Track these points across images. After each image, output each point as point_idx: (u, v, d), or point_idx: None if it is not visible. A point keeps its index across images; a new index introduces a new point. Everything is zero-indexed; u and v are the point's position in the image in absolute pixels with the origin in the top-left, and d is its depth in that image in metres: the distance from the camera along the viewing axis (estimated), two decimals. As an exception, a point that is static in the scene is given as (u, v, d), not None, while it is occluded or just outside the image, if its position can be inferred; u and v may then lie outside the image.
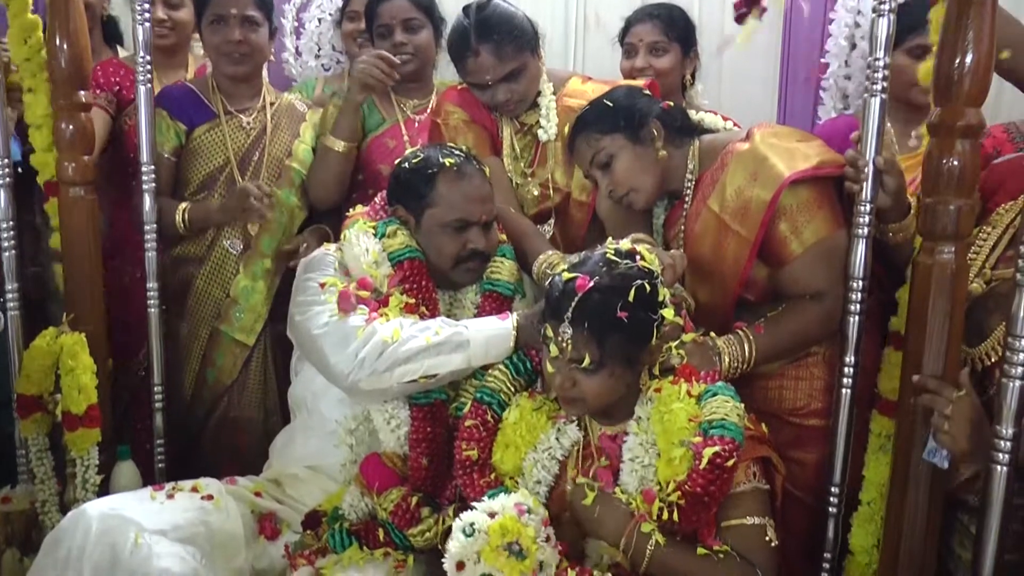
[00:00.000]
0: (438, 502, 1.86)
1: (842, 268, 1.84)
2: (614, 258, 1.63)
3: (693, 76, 2.65)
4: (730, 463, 1.54)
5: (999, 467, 1.58)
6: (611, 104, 1.97)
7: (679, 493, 1.56)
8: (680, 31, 2.54)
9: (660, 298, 1.62)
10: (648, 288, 1.59)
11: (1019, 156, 1.92)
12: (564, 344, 1.59)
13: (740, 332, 1.85)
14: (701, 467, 1.54)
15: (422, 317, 1.92)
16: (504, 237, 2.12)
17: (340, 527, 1.82)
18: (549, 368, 1.64)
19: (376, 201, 2.10)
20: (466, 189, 1.98)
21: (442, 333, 1.85)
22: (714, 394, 1.64)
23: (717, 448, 1.54)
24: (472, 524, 1.53)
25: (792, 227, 1.81)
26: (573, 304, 1.58)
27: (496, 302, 2.01)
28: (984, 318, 1.75)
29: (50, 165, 2.21)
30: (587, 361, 1.58)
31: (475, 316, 2.00)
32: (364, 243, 1.99)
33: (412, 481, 1.88)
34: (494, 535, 1.50)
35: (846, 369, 1.86)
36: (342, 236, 2.06)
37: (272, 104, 2.55)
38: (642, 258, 1.65)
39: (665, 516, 1.55)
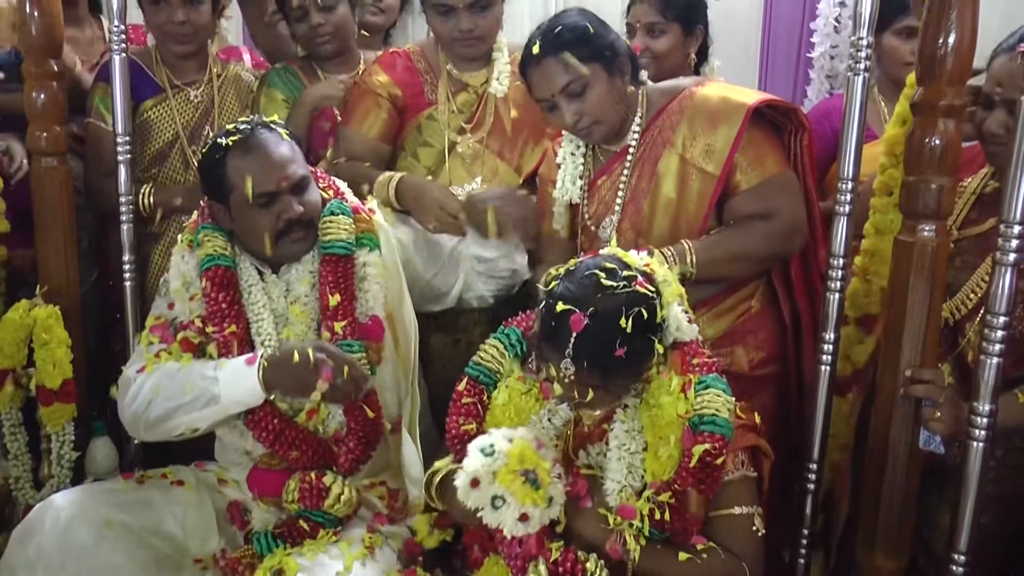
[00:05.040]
0: (336, 471, 1.85)
1: (797, 197, 1.94)
2: (608, 282, 1.53)
3: (703, 53, 2.55)
4: (719, 461, 1.52)
5: (976, 444, 1.61)
6: (591, 29, 1.87)
7: (669, 493, 1.54)
8: (680, 10, 2.43)
9: (658, 319, 1.56)
10: (646, 314, 1.52)
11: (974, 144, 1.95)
12: (568, 379, 1.54)
13: (683, 243, 1.89)
14: (691, 465, 1.52)
15: (221, 334, 1.84)
16: (331, 193, 1.99)
17: (265, 533, 1.80)
18: (558, 389, 1.60)
19: (201, 204, 1.99)
20: (256, 161, 1.84)
21: (191, 391, 1.79)
22: (706, 386, 1.59)
23: (707, 446, 1.51)
24: (492, 445, 1.51)
25: (745, 163, 1.91)
26: (571, 342, 1.51)
27: (333, 265, 1.89)
28: (953, 275, 1.83)
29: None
30: (590, 395, 1.56)
31: (315, 284, 1.92)
32: (176, 265, 1.93)
33: (301, 468, 1.85)
34: (513, 458, 1.48)
35: (825, 347, 1.87)
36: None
37: (219, 76, 2.49)
38: (646, 276, 1.58)
39: (657, 516, 1.53)
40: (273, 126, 1.92)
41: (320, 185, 1.98)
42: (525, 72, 1.93)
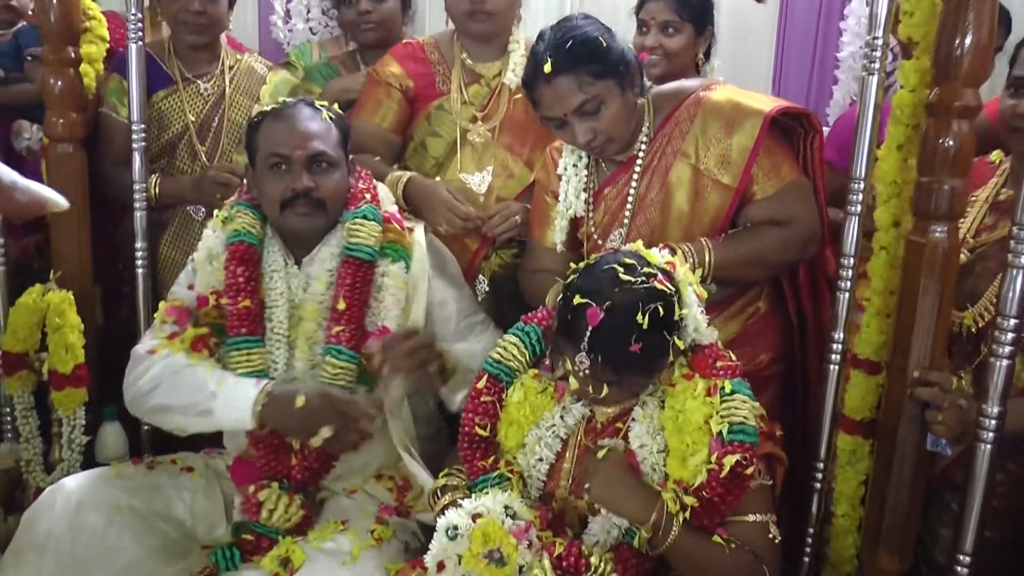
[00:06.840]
0: (285, 483, 1.83)
1: (812, 203, 1.93)
2: (626, 276, 1.53)
3: (708, 53, 2.56)
4: (749, 471, 1.53)
5: (984, 445, 1.61)
6: (603, 43, 1.79)
7: (694, 498, 1.54)
8: (694, 9, 2.44)
9: (676, 317, 1.55)
10: (663, 311, 1.52)
11: (981, 159, 1.94)
12: (583, 373, 1.55)
13: (701, 241, 1.87)
14: (722, 476, 1.52)
15: (235, 307, 1.85)
16: (368, 196, 1.96)
17: (226, 548, 1.77)
18: (573, 383, 1.60)
19: (244, 181, 2.03)
20: (281, 126, 1.89)
21: (189, 397, 1.80)
22: (732, 392, 1.58)
23: (738, 456, 1.52)
24: (455, 527, 1.51)
25: (761, 174, 1.88)
26: (587, 336, 1.51)
27: (353, 267, 1.87)
28: (973, 283, 1.82)
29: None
30: (604, 391, 1.56)
31: (332, 284, 1.90)
32: (205, 238, 1.95)
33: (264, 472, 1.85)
34: (475, 541, 1.48)
35: (834, 346, 1.88)
36: None
37: (231, 68, 2.49)
38: (666, 274, 1.58)
39: (675, 511, 1.54)
40: (320, 106, 1.95)
41: (360, 185, 1.97)
42: (533, 88, 1.85)
